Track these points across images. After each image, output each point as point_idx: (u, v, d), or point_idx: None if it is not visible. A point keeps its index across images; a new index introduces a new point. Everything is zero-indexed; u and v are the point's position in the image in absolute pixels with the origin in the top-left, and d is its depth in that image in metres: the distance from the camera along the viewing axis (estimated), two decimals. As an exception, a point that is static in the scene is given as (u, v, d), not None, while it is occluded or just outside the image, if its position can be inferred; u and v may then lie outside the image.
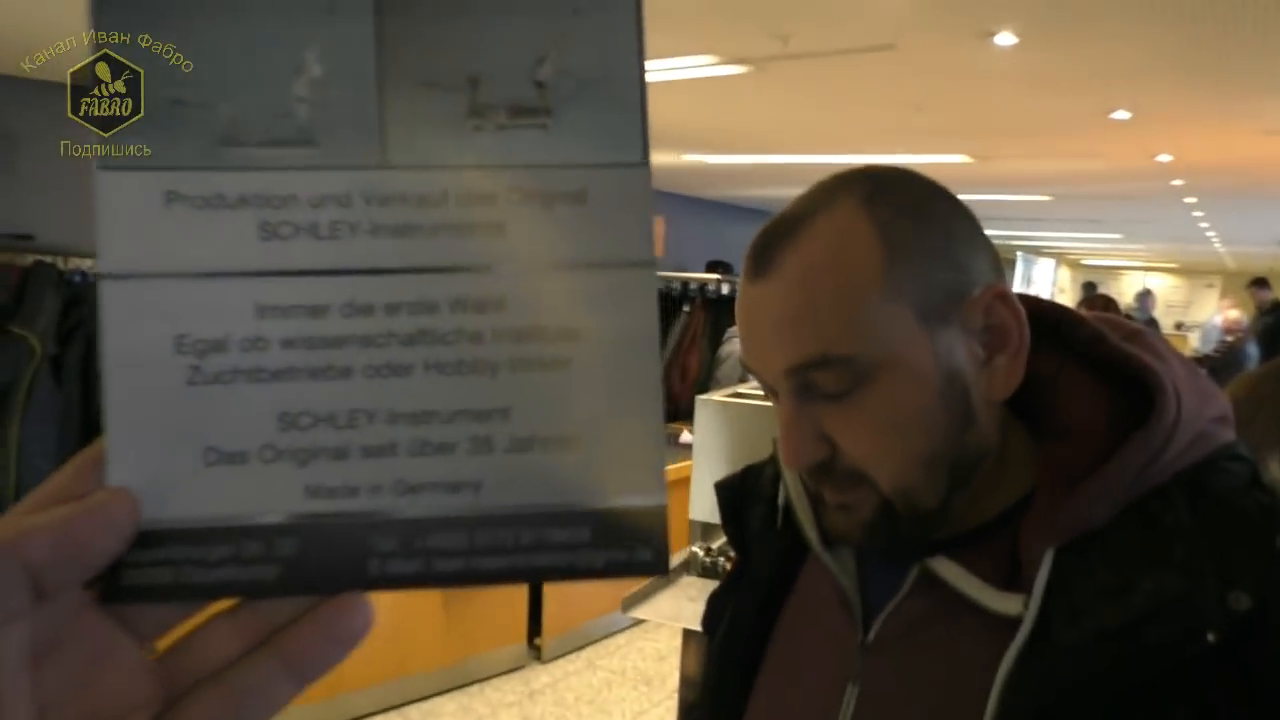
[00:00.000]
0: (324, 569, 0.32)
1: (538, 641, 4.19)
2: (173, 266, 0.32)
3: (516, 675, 4.07)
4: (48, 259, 3.72)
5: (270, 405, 0.32)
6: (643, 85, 0.34)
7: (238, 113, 0.33)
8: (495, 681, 4.00)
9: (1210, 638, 0.56)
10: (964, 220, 0.68)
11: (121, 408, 0.32)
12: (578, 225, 0.34)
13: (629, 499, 0.33)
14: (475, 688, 3.93)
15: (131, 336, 0.32)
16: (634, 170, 0.34)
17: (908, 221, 0.65)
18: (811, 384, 0.65)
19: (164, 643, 0.32)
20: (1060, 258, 19.71)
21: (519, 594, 4.03)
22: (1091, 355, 0.69)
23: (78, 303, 3.68)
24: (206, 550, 0.31)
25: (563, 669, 4.17)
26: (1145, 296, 11.04)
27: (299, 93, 0.33)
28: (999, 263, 0.69)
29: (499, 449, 0.33)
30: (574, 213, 0.34)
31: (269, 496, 0.32)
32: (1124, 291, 15.84)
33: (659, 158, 5.99)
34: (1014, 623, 0.62)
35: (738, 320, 0.71)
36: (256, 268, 0.32)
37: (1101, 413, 0.67)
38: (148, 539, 0.31)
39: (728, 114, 4.84)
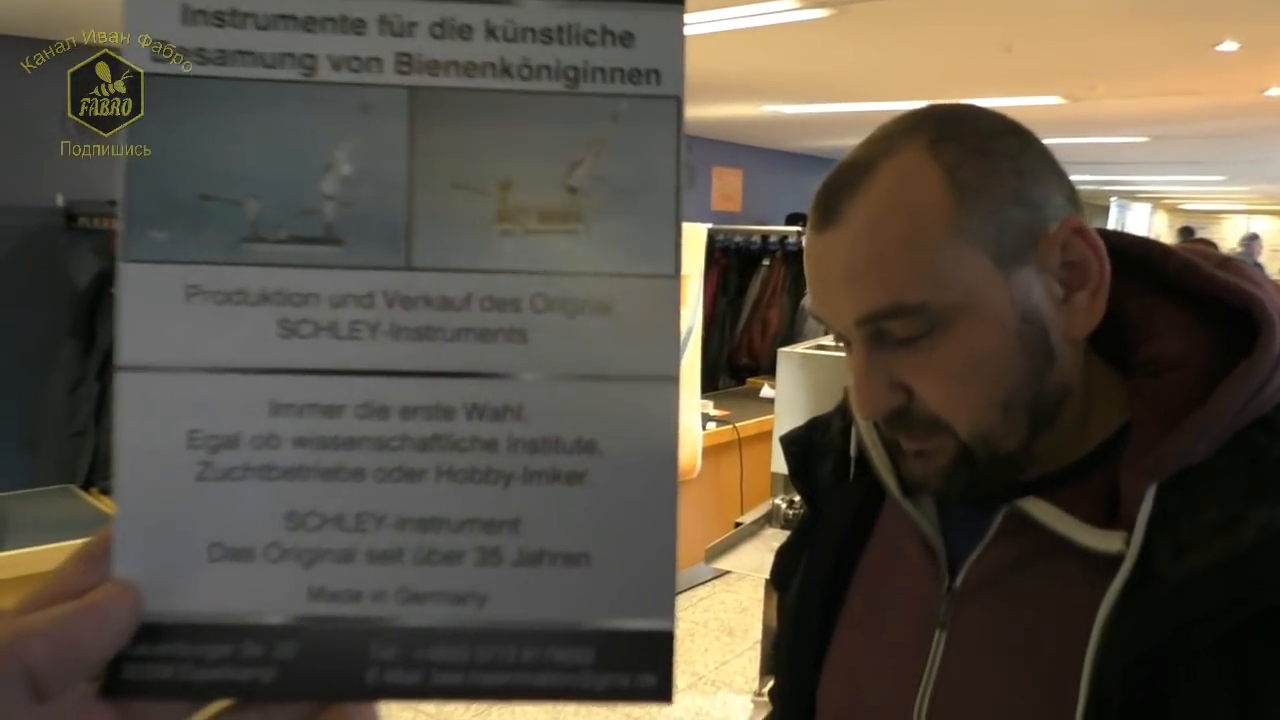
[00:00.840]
0: (321, 675, 0.31)
1: (622, 593, 4.25)
2: (190, 361, 0.32)
3: (601, 626, 4.15)
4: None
5: (279, 504, 0.32)
6: (679, 196, 0.33)
7: (264, 209, 0.32)
8: (580, 631, 4.08)
9: None
10: (1035, 155, 0.66)
11: (131, 499, 0.32)
12: (602, 336, 0.33)
13: (637, 622, 0.32)
14: (561, 637, 4.02)
15: (145, 429, 0.32)
16: (663, 282, 0.33)
17: (976, 161, 0.63)
18: (884, 332, 0.64)
19: None
20: (1156, 203, 18.89)
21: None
22: (1182, 287, 0.67)
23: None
24: (206, 648, 0.31)
25: (646, 620, 4.23)
26: (1252, 240, 10.54)
27: (327, 190, 0.32)
28: (1075, 196, 0.67)
29: (506, 561, 0.33)
30: (599, 323, 0.33)
31: (272, 596, 0.32)
32: (1225, 236, 15.13)
33: (738, 109, 5.90)
34: (1113, 561, 0.60)
35: (806, 272, 0.69)
36: (273, 365, 0.32)
37: (1199, 344, 0.64)
38: (150, 632, 0.31)
39: (808, 61, 4.73)
